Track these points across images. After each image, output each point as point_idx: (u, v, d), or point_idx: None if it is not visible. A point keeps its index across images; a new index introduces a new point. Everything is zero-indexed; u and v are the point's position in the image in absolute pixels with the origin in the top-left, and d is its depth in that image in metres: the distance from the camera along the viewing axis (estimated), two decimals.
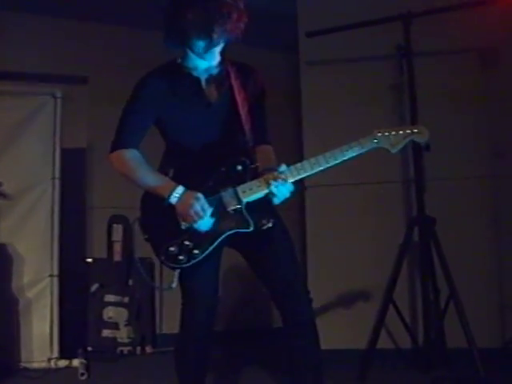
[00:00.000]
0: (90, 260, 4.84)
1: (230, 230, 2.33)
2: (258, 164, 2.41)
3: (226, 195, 2.34)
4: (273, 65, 5.26)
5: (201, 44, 2.34)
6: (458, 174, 4.06)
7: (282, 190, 2.32)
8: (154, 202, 2.36)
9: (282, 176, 2.31)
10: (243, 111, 2.45)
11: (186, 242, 2.31)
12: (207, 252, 2.32)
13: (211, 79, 2.47)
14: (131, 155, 2.42)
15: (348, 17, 4.04)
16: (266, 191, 2.32)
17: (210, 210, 2.31)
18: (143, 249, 2.44)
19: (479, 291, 3.92)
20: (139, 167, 2.41)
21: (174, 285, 2.35)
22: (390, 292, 3.61)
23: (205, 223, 2.31)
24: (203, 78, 2.47)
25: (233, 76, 2.47)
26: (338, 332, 4.00)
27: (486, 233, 4.05)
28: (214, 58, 2.46)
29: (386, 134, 2.41)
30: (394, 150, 2.42)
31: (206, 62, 2.44)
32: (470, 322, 3.38)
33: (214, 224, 2.33)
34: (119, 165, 2.43)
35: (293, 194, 2.35)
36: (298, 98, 4.53)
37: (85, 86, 5.20)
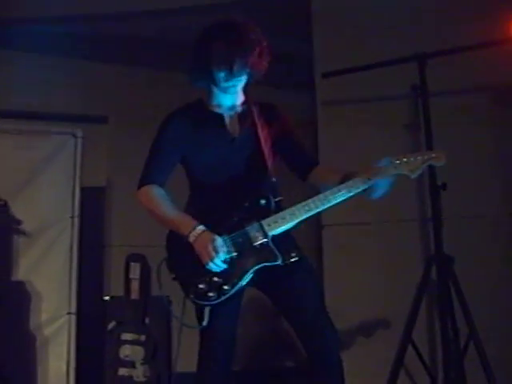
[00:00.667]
0: (107, 298, 4.85)
1: (258, 263, 2.33)
2: (281, 198, 2.43)
3: (252, 230, 2.35)
4: (289, 104, 5.32)
5: (221, 75, 2.39)
6: (475, 212, 4.04)
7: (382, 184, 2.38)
8: (179, 241, 2.37)
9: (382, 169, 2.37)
10: (266, 147, 2.48)
11: (215, 279, 2.31)
12: (237, 287, 2.31)
13: (234, 116, 2.52)
14: (157, 191, 2.46)
15: (364, 57, 4.09)
16: (365, 187, 2.35)
17: (224, 253, 2.30)
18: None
19: (499, 330, 3.86)
20: (163, 203, 2.44)
21: (205, 322, 2.34)
22: (408, 332, 3.57)
23: (217, 265, 2.30)
24: (227, 114, 2.51)
25: (256, 114, 2.51)
26: (356, 372, 3.93)
27: (504, 271, 4.00)
28: (237, 95, 2.51)
29: (405, 159, 2.41)
30: (413, 176, 2.41)
31: (230, 98, 2.50)
32: (490, 361, 3.33)
33: (242, 259, 2.33)
34: (146, 200, 2.46)
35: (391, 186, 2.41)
36: (315, 136, 4.56)
37: (105, 126, 5.27)
